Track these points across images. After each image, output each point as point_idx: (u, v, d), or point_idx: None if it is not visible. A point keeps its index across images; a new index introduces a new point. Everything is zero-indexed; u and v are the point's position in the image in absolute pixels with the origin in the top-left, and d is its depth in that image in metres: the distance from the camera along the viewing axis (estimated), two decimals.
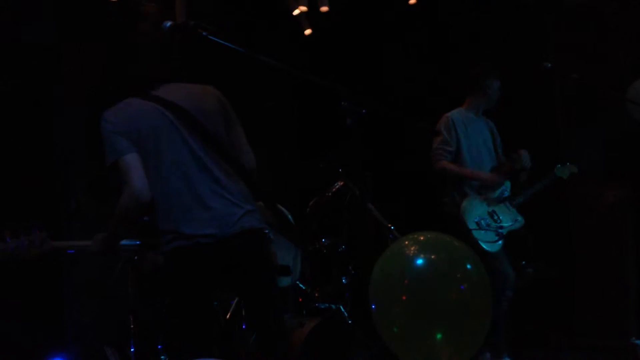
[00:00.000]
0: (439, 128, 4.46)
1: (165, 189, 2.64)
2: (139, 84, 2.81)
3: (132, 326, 3.76)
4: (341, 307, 4.07)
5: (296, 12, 5.44)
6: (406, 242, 2.55)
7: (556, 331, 5.15)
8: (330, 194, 4.22)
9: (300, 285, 4.08)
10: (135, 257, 3.87)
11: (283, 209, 2.99)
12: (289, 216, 2.97)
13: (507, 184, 4.51)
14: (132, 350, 3.76)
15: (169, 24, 2.65)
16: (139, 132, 2.62)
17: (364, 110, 2.79)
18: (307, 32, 5.64)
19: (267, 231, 2.77)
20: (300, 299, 4.16)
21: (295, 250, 3.55)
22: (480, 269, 2.41)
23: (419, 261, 2.42)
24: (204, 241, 2.61)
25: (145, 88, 2.77)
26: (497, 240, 4.28)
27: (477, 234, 4.24)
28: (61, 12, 4.72)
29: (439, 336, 2.29)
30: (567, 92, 5.23)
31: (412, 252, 2.46)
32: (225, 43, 2.60)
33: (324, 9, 5.39)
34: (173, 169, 2.64)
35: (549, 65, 4.07)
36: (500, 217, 4.39)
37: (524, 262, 4.98)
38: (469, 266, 2.39)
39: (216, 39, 2.59)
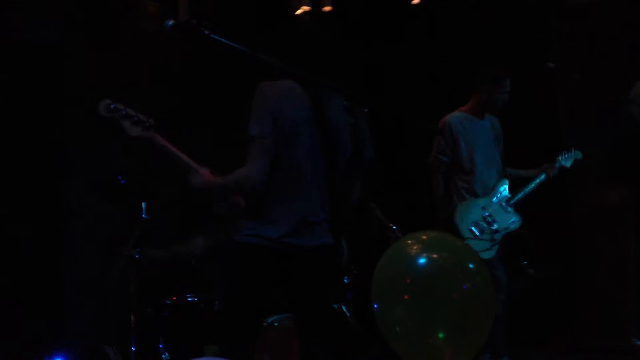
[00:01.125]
0: (439, 133, 4.43)
1: (278, 184, 2.63)
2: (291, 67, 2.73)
3: (132, 325, 3.77)
4: (343, 307, 4.06)
5: (299, 11, 5.44)
6: (408, 242, 2.55)
7: (557, 332, 5.15)
8: None
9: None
10: (137, 256, 3.88)
11: (344, 243, 2.96)
12: (345, 248, 2.94)
13: (505, 182, 4.48)
14: (133, 349, 3.76)
15: (171, 22, 2.64)
16: (282, 122, 2.61)
17: (365, 110, 2.79)
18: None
19: (334, 248, 2.78)
20: None
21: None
22: (482, 268, 2.41)
23: (421, 260, 2.42)
24: (283, 248, 2.63)
25: (303, 74, 2.71)
26: (490, 248, 4.25)
27: (471, 242, 4.20)
28: (65, 11, 4.71)
29: (441, 335, 2.29)
30: (569, 93, 5.23)
31: (414, 251, 2.46)
32: (228, 42, 2.60)
33: (327, 8, 5.39)
34: (292, 168, 2.64)
35: (552, 65, 4.06)
36: (496, 220, 4.33)
37: (525, 263, 4.97)
38: (471, 265, 2.39)
39: (218, 38, 2.59)
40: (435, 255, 2.43)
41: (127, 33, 4.93)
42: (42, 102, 4.64)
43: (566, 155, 4.50)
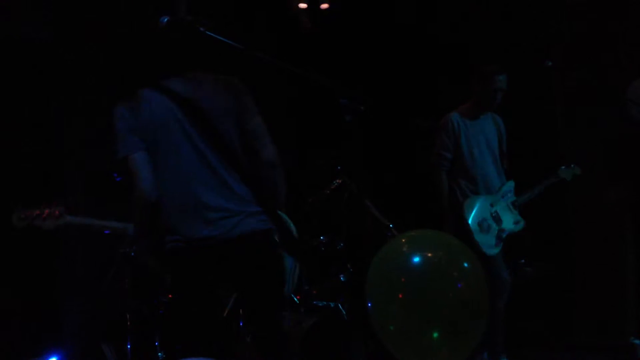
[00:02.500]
0: (439, 130, 4.39)
1: (169, 188, 2.63)
2: (151, 74, 2.75)
3: (128, 323, 3.76)
4: (339, 305, 4.06)
5: (296, 8, 5.44)
6: (403, 240, 2.55)
7: (555, 330, 5.14)
8: (329, 191, 4.21)
9: (294, 298, 4.05)
10: (132, 254, 3.87)
11: (285, 217, 2.92)
12: (291, 225, 2.91)
13: (511, 183, 4.46)
14: (128, 347, 3.76)
15: (166, 19, 2.63)
16: (148, 127, 2.60)
17: (362, 108, 2.77)
18: (307, 28, 5.63)
19: (271, 233, 2.73)
20: (298, 297, 4.14)
21: (292, 262, 3.49)
22: (477, 267, 2.40)
23: (416, 259, 2.41)
24: (201, 244, 2.60)
25: (157, 78, 2.71)
26: (496, 245, 4.24)
27: (477, 236, 4.20)
28: (59, 9, 4.70)
29: (435, 334, 2.28)
30: (567, 91, 5.22)
31: (408, 249, 2.45)
32: (223, 39, 2.58)
33: (324, 5, 5.38)
34: (177, 168, 2.62)
35: (550, 63, 4.04)
36: (503, 220, 4.33)
37: (522, 261, 4.97)
38: (465, 264, 2.39)
39: (214, 35, 2.58)
40: (429, 254, 2.42)
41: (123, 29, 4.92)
42: (39, 101, 4.64)
43: (565, 169, 4.53)
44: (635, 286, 4.92)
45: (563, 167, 4.53)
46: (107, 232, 3.19)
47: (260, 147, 2.75)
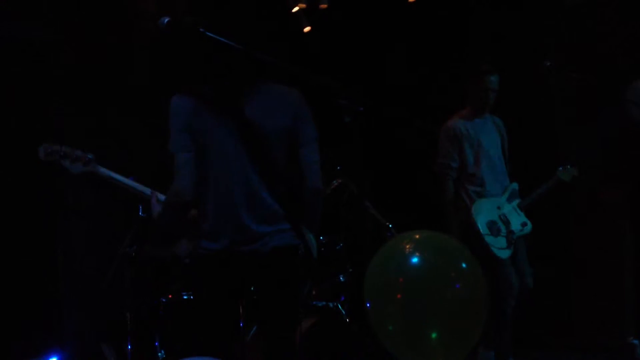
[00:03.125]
0: (442, 139, 4.37)
1: (211, 198, 2.65)
2: (213, 78, 2.73)
3: (128, 323, 3.76)
4: (339, 305, 4.06)
5: (295, 9, 5.44)
6: (401, 241, 2.55)
7: (554, 331, 5.15)
8: (328, 191, 4.21)
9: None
10: (133, 254, 3.88)
11: (311, 238, 2.93)
12: (314, 249, 2.92)
13: (515, 185, 4.45)
14: (129, 347, 3.76)
15: (166, 20, 2.63)
16: (200, 131, 2.61)
17: (361, 108, 2.78)
18: (306, 29, 5.64)
19: (299, 248, 2.75)
20: None
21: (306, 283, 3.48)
22: (475, 267, 2.41)
23: (414, 259, 2.42)
24: (234, 256, 2.64)
25: (220, 84, 2.71)
26: (507, 247, 4.23)
27: (489, 239, 4.19)
28: (59, 9, 4.70)
29: (433, 335, 2.29)
30: (566, 91, 5.23)
31: (407, 250, 2.46)
32: (223, 40, 2.59)
33: (323, 6, 5.38)
34: (222, 180, 2.63)
35: (549, 63, 4.05)
36: (511, 222, 4.31)
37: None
38: (463, 265, 2.39)
39: (214, 36, 2.58)
40: (428, 255, 2.43)
41: (121, 30, 4.93)
42: (37, 99, 4.64)
43: (563, 170, 4.48)
44: (634, 287, 4.92)
45: (560, 168, 4.49)
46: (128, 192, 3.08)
47: (308, 174, 2.75)
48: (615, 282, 4.98)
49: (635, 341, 4.59)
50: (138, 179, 3.10)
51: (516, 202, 4.39)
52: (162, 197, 2.88)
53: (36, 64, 4.64)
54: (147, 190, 3.00)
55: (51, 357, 4.04)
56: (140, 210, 3.96)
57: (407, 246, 2.47)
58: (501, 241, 4.21)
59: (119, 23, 4.91)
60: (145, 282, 4.10)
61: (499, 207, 4.33)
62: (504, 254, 4.21)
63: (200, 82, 2.76)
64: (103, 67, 4.76)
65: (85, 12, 4.75)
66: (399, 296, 2.35)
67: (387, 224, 3.91)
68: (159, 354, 3.89)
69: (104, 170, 3.01)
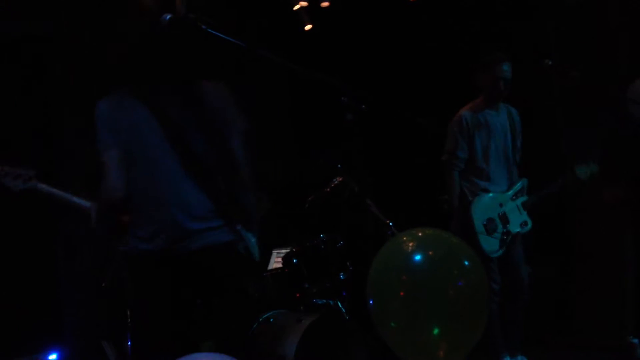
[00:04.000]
0: (452, 128, 4.34)
1: (141, 196, 2.66)
2: (136, 77, 2.76)
3: (128, 320, 3.76)
4: (339, 303, 4.06)
5: (297, 7, 5.44)
6: (404, 238, 2.55)
7: (555, 330, 5.15)
8: (329, 189, 4.21)
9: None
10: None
11: (251, 240, 2.90)
12: (254, 249, 2.89)
13: (524, 182, 4.41)
14: (129, 344, 3.76)
15: (168, 16, 2.64)
16: (122, 129, 2.64)
17: (363, 106, 2.78)
18: (308, 27, 5.64)
19: (234, 244, 2.75)
20: (298, 295, 4.15)
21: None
22: (477, 265, 2.41)
23: (417, 257, 2.42)
24: (167, 254, 2.63)
25: (141, 83, 2.73)
26: (498, 249, 4.21)
27: (481, 237, 4.16)
28: (60, 5, 4.70)
29: (436, 332, 2.29)
30: (567, 91, 5.22)
31: (410, 248, 2.46)
32: (225, 37, 2.59)
33: (325, 4, 5.38)
34: (150, 177, 2.65)
35: (550, 62, 4.04)
36: (510, 221, 4.27)
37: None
38: (466, 262, 2.39)
39: (216, 33, 2.58)
40: (430, 252, 2.43)
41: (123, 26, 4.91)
42: (39, 95, 4.63)
43: (583, 168, 4.36)
44: (635, 286, 4.92)
45: (581, 165, 4.35)
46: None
47: (235, 169, 2.75)
48: (616, 281, 4.98)
49: (636, 340, 4.58)
50: (77, 193, 3.13)
51: (522, 199, 4.35)
52: None
53: (34, 61, 4.63)
54: (87, 204, 3.04)
55: (51, 353, 4.04)
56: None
57: (410, 244, 2.48)
58: (493, 243, 4.19)
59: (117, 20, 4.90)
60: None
61: (500, 205, 4.29)
62: (494, 254, 4.20)
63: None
64: (101, 64, 4.75)
65: (83, 8, 4.74)
66: (402, 294, 2.35)
67: (388, 222, 3.91)
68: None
69: (44, 187, 3.06)
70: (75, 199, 3.09)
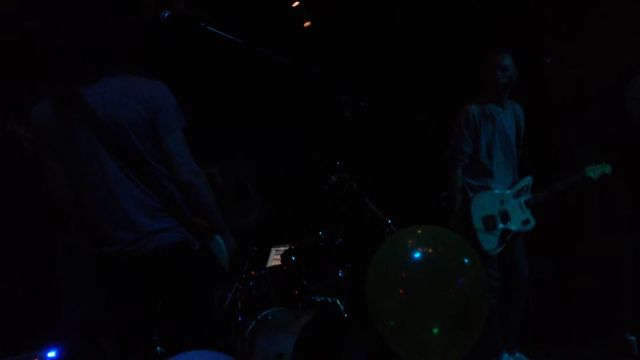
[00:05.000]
0: (458, 122, 4.32)
1: (86, 201, 2.63)
2: (67, 78, 2.68)
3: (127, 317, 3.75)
4: (337, 300, 4.07)
5: (295, 3, 5.43)
6: (403, 236, 2.55)
7: (552, 327, 5.16)
8: (327, 186, 4.21)
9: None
10: None
11: (219, 244, 2.87)
12: (220, 253, 2.86)
13: (528, 180, 4.40)
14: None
15: (167, 13, 2.63)
16: (55, 136, 2.59)
17: (362, 104, 2.78)
18: (306, 24, 5.63)
19: (188, 244, 2.70)
20: (296, 292, 4.15)
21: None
22: (477, 262, 2.41)
23: (417, 254, 2.42)
24: (123, 257, 2.62)
25: (72, 84, 2.65)
26: (497, 247, 4.21)
27: (480, 234, 4.17)
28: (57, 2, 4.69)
29: (435, 330, 2.29)
30: (565, 89, 5.23)
31: (409, 245, 2.46)
32: (224, 34, 2.59)
33: None
34: (84, 180, 2.61)
35: (549, 60, 4.04)
36: (511, 218, 4.26)
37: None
38: (466, 260, 2.40)
39: (215, 30, 2.58)
40: (430, 250, 2.43)
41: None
42: (40, 93, 4.62)
43: (594, 167, 4.33)
44: (631, 283, 4.93)
45: (593, 164, 4.32)
46: None
47: (174, 168, 2.66)
48: (613, 278, 4.99)
49: (633, 337, 4.60)
50: None
51: (525, 197, 4.35)
52: None
53: (30, 57, 4.62)
54: None
55: (50, 350, 4.04)
56: None
57: (410, 241, 2.48)
58: (492, 240, 4.18)
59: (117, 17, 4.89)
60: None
61: (502, 202, 4.28)
62: (493, 252, 4.20)
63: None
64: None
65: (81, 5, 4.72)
66: (401, 291, 2.36)
67: (386, 219, 3.91)
68: (157, 348, 3.89)
69: None
70: None
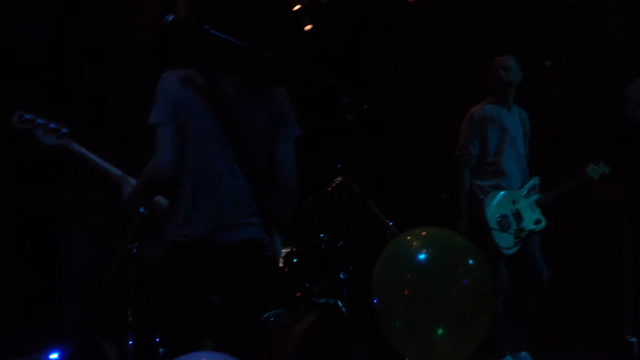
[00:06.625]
0: (464, 125, 4.34)
1: (190, 181, 2.61)
2: (210, 59, 2.68)
3: (130, 319, 3.77)
4: (339, 302, 4.07)
5: (296, 7, 5.45)
6: (409, 237, 2.56)
7: (553, 328, 5.17)
8: (329, 189, 4.22)
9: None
10: (134, 250, 3.88)
11: (278, 244, 2.87)
12: (279, 252, 2.87)
13: (536, 180, 4.40)
14: (130, 343, 3.77)
15: (170, 17, 2.64)
16: (183, 109, 2.59)
17: (365, 106, 2.80)
18: (307, 27, 5.65)
19: (263, 243, 2.72)
20: (298, 294, 4.16)
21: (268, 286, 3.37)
22: (482, 264, 2.42)
23: (422, 256, 2.43)
24: (209, 246, 2.60)
25: (214, 67, 2.68)
26: (513, 246, 4.21)
27: (496, 235, 4.16)
28: (60, 7, 4.70)
29: (440, 331, 2.30)
30: (565, 91, 5.24)
31: (414, 246, 2.47)
32: (227, 37, 2.60)
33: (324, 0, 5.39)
34: (201, 162, 2.61)
35: (549, 63, 4.06)
36: (524, 218, 4.27)
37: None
38: (470, 261, 2.40)
39: (217, 34, 2.59)
40: (435, 251, 2.44)
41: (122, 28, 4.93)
42: (38, 96, 4.64)
43: (594, 167, 4.39)
44: (632, 285, 4.95)
45: (592, 165, 4.39)
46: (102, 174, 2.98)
47: (282, 171, 2.74)
48: (614, 280, 5.01)
49: (634, 339, 4.61)
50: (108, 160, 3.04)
51: (534, 197, 4.36)
52: (133, 181, 2.83)
53: (35, 62, 4.63)
54: (118, 172, 2.92)
55: (52, 353, 4.04)
56: (142, 207, 3.97)
57: (415, 243, 2.49)
58: (508, 239, 4.19)
59: (118, 21, 4.91)
60: (146, 278, 4.10)
61: (514, 202, 4.29)
62: (509, 251, 4.21)
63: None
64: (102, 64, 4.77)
65: (84, 9, 4.75)
66: (406, 293, 2.36)
67: (388, 222, 3.93)
68: (160, 350, 3.90)
69: (76, 147, 2.91)
70: (107, 166, 2.94)
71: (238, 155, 2.63)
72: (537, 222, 4.32)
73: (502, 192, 4.28)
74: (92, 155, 2.96)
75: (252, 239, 2.66)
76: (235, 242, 2.61)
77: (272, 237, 2.79)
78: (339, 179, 4.20)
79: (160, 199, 2.97)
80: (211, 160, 2.61)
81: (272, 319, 3.99)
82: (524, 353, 4.32)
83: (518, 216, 4.26)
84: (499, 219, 4.21)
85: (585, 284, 5.19)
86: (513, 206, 4.28)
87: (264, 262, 2.73)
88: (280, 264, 4.35)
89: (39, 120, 2.83)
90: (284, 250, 4.50)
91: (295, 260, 4.16)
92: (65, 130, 2.88)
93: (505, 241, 4.18)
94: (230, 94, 2.65)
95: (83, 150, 2.94)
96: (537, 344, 4.88)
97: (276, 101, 2.76)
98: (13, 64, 4.50)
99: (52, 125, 2.84)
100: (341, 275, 4.17)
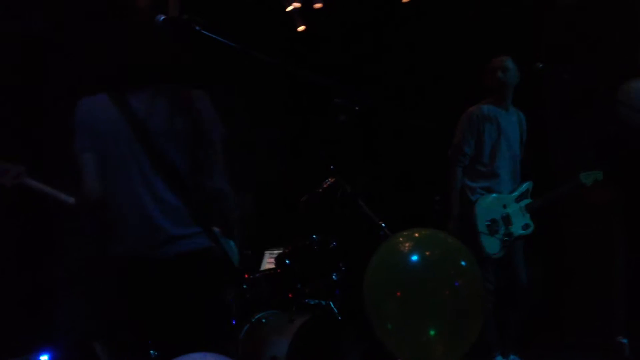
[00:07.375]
0: (460, 123, 4.34)
1: (116, 202, 2.63)
2: (118, 79, 2.71)
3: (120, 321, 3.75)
4: (331, 303, 4.07)
5: (289, 8, 5.45)
6: (401, 239, 2.57)
7: (545, 329, 5.18)
8: (321, 190, 4.22)
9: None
10: None
11: (232, 247, 2.87)
12: (234, 256, 2.87)
13: (528, 185, 4.42)
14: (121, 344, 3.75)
15: (162, 17, 2.63)
16: (99, 132, 2.62)
17: (357, 107, 2.79)
18: (301, 28, 5.65)
19: (211, 251, 2.70)
20: (290, 295, 4.16)
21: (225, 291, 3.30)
22: (473, 265, 2.43)
23: (414, 257, 2.43)
24: (147, 262, 2.60)
25: (122, 86, 2.68)
26: (499, 251, 4.21)
27: (483, 238, 4.17)
28: (52, 4, 4.69)
29: (432, 332, 2.30)
30: (558, 93, 5.25)
31: (406, 248, 2.47)
32: (219, 38, 2.59)
33: (318, 5, 5.39)
34: (123, 183, 2.61)
35: (541, 65, 4.07)
36: (513, 223, 4.27)
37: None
38: (462, 262, 2.41)
39: (209, 34, 2.58)
40: (427, 252, 2.45)
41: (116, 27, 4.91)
42: (34, 96, 4.62)
43: (587, 174, 4.38)
44: (623, 286, 4.96)
45: (585, 172, 4.39)
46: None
47: (210, 175, 2.69)
48: (605, 281, 5.02)
49: (625, 340, 4.62)
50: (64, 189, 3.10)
51: (525, 202, 4.37)
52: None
53: (30, 59, 4.62)
54: (71, 199, 3.00)
55: (43, 354, 4.02)
56: None
57: (407, 244, 2.49)
58: (495, 243, 4.19)
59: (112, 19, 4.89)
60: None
61: (504, 206, 4.30)
62: (495, 255, 4.21)
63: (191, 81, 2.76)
64: (96, 63, 4.74)
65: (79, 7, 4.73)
66: (398, 294, 2.37)
67: (380, 223, 3.93)
68: (151, 352, 3.88)
69: (31, 182, 2.99)
70: (62, 196, 3.04)
71: (162, 172, 2.62)
72: (526, 227, 4.32)
73: (493, 195, 4.28)
74: (46, 188, 3.04)
75: (193, 250, 2.64)
76: (176, 255, 2.60)
77: (223, 241, 2.78)
78: (331, 179, 4.19)
79: None
80: (133, 182, 2.61)
81: (264, 320, 3.99)
82: (512, 357, 4.33)
83: (507, 220, 4.26)
84: (488, 223, 4.21)
85: (576, 285, 5.21)
86: (503, 210, 4.28)
87: (212, 269, 2.71)
88: (273, 265, 4.34)
89: None
90: (275, 251, 4.49)
91: (287, 262, 4.16)
92: (21, 169, 2.94)
93: (492, 246, 4.18)
94: (142, 110, 2.64)
95: (38, 184, 3.02)
96: (529, 345, 4.89)
97: (194, 106, 2.70)
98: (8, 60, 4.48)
99: (6, 168, 2.90)
100: (333, 277, 4.17)
